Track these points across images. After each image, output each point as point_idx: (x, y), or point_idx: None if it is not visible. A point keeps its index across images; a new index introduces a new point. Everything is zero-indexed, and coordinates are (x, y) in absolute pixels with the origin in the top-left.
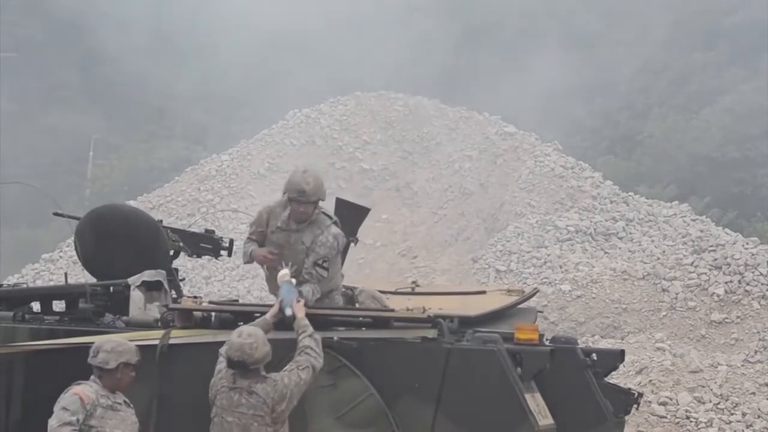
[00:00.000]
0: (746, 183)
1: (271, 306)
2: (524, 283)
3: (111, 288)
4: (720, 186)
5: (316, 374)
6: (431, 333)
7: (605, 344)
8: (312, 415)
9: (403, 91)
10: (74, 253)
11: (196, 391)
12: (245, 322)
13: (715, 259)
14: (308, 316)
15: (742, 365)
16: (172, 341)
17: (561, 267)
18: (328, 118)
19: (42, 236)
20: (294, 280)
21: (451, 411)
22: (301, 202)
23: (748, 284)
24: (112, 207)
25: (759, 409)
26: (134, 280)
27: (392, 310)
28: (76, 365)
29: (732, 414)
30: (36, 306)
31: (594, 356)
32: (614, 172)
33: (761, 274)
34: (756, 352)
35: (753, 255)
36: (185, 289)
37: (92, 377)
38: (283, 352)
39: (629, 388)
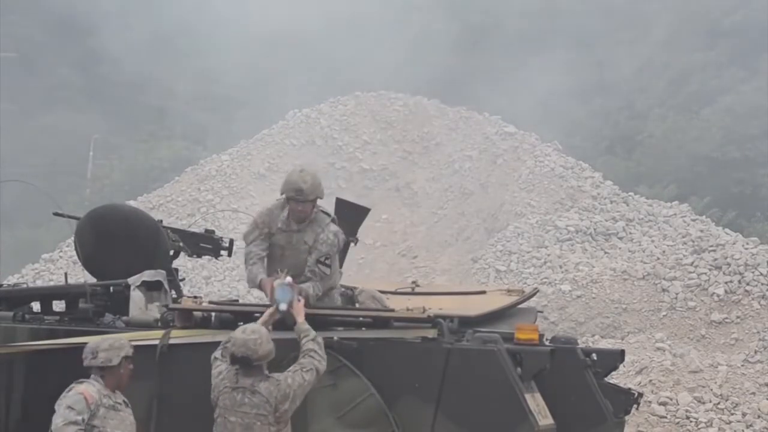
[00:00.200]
0: (746, 183)
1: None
2: (524, 283)
3: (111, 288)
4: (720, 186)
5: (320, 377)
6: (431, 333)
7: (605, 344)
8: (312, 415)
9: (403, 91)
10: (74, 253)
11: (196, 391)
12: (245, 322)
13: (715, 259)
14: (308, 316)
15: (742, 365)
16: (172, 341)
17: (561, 267)
18: (328, 118)
19: (42, 236)
20: (290, 279)
21: (451, 411)
22: (299, 200)
23: (748, 284)
24: (112, 207)
25: (759, 409)
26: (134, 280)
27: (392, 310)
28: (76, 365)
29: (732, 414)
30: (36, 306)
31: (594, 356)
32: (614, 172)
33: (761, 274)
34: (756, 352)
35: (753, 255)
36: (185, 289)
37: (92, 377)
38: (283, 352)
39: (629, 388)
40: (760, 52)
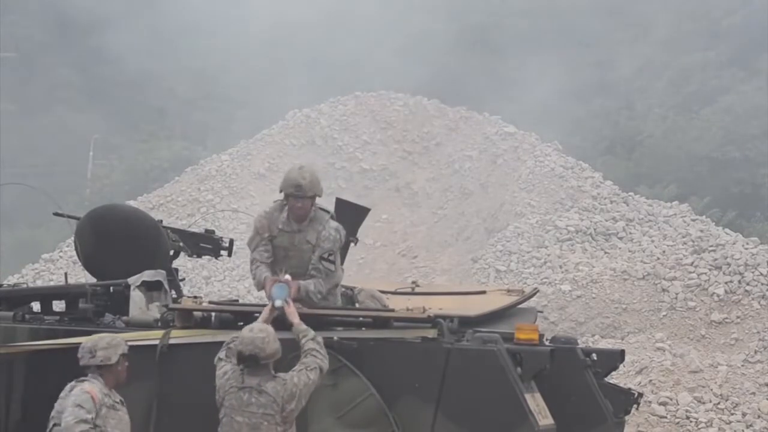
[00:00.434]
0: (746, 183)
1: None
2: (524, 283)
3: (111, 288)
4: (720, 186)
5: (324, 375)
6: (431, 333)
7: (605, 344)
8: (312, 415)
9: (403, 91)
10: (74, 253)
11: (196, 391)
12: (245, 322)
13: (715, 259)
14: (308, 316)
15: (742, 365)
16: (172, 341)
17: (561, 267)
18: (328, 118)
19: (42, 236)
20: (288, 277)
21: (451, 411)
22: (298, 197)
23: (748, 284)
24: (112, 207)
25: (759, 409)
26: (134, 280)
27: (392, 310)
28: (76, 365)
29: (732, 414)
30: (36, 306)
31: (594, 356)
32: (614, 172)
33: (761, 274)
34: (756, 352)
35: (753, 255)
36: (185, 289)
37: (91, 376)
38: (283, 352)
39: (629, 388)
40: (760, 52)
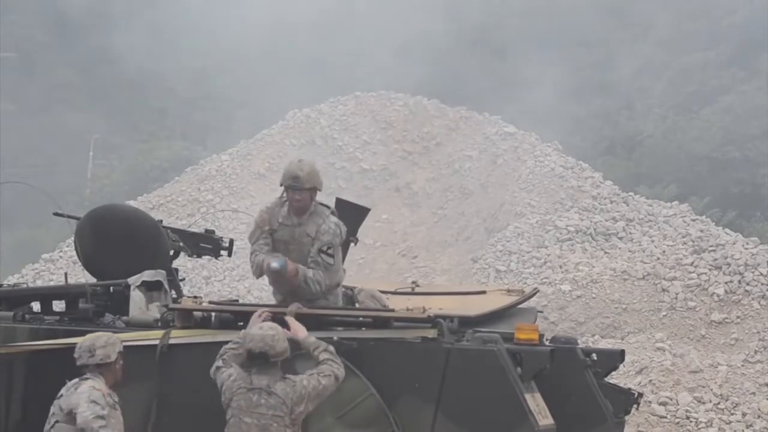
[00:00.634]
0: (746, 183)
1: (272, 306)
2: (524, 283)
3: (111, 288)
4: (720, 186)
5: (339, 384)
6: (431, 333)
7: (605, 344)
8: (312, 415)
9: (403, 91)
10: (74, 253)
11: (196, 391)
12: (245, 322)
13: (715, 259)
14: (308, 316)
15: (742, 365)
16: (172, 341)
17: (561, 267)
18: (328, 118)
19: (42, 236)
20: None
21: (451, 411)
22: (296, 188)
23: (748, 284)
24: (112, 207)
25: (759, 409)
26: (134, 280)
27: (392, 310)
28: (76, 365)
29: (732, 414)
30: (36, 306)
31: (594, 356)
32: (614, 172)
33: (761, 274)
34: (756, 352)
35: (753, 255)
36: (185, 289)
37: (91, 375)
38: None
39: (629, 388)
40: (760, 52)
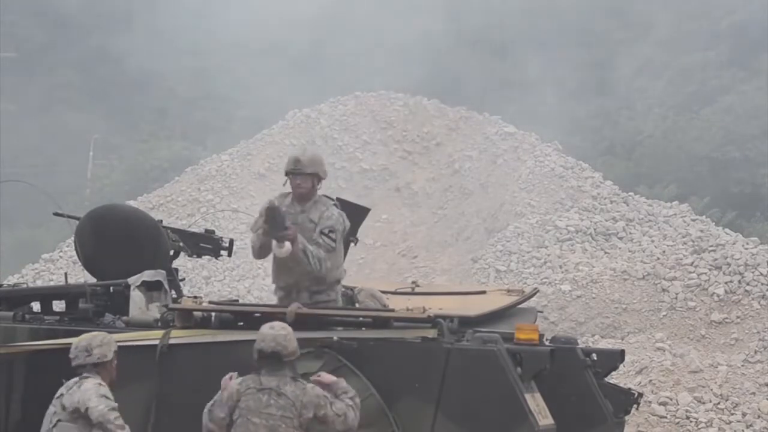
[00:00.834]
0: (746, 183)
1: (271, 305)
2: (524, 283)
3: (111, 288)
4: (720, 186)
5: (346, 425)
6: (431, 333)
7: (605, 344)
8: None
9: (403, 91)
10: (74, 253)
11: (196, 391)
12: (245, 322)
13: (715, 259)
14: (308, 316)
15: (742, 365)
16: (172, 341)
17: (561, 267)
18: (328, 118)
19: (42, 236)
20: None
21: (451, 411)
22: (297, 173)
23: (748, 284)
24: (112, 207)
25: (759, 409)
26: (134, 280)
27: (392, 310)
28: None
29: (732, 414)
30: (36, 306)
31: (594, 356)
32: (614, 172)
33: (761, 274)
34: (756, 352)
35: (753, 255)
36: (185, 289)
37: (90, 375)
38: None
39: (629, 388)
40: (760, 52)
